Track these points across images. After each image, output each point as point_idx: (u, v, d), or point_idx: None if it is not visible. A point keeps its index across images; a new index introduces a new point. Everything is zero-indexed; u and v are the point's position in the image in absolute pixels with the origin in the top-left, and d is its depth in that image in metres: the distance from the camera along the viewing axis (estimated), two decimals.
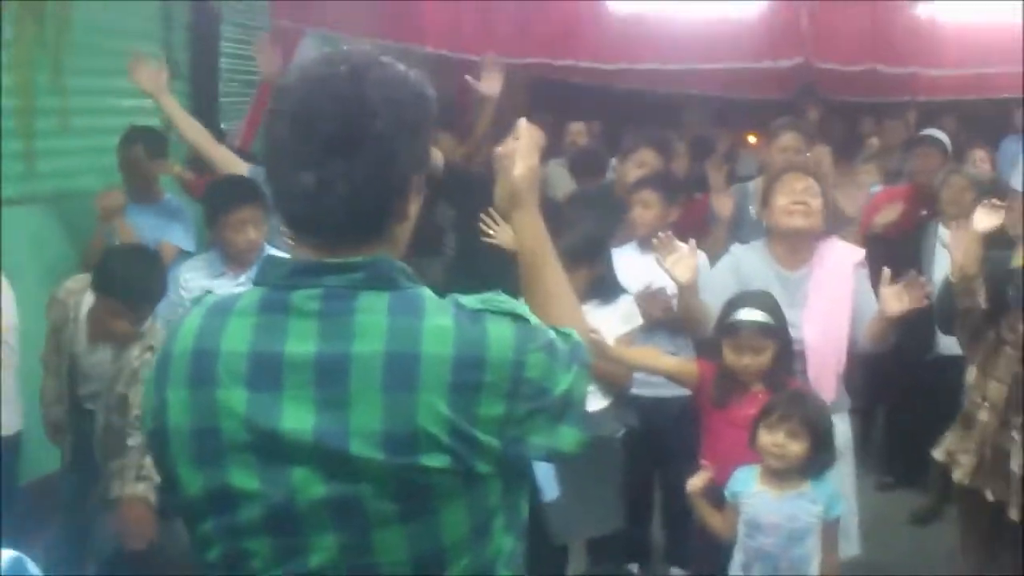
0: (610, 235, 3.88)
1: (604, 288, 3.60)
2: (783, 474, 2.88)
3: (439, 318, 1.30)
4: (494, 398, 1.28)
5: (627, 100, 7.91)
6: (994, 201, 3.50)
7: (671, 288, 3.87)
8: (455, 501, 1.29)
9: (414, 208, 1.41)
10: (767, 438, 2.85)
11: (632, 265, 3.84)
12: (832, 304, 3.37)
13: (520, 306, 1.38)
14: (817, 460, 2.88)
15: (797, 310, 3.33)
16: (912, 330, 4.31)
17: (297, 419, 1.26)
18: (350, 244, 1.33)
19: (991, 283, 3.46)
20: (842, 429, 3.43)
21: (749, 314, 3.09)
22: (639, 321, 3.63)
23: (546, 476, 3.38)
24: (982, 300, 3.45)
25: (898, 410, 5.30)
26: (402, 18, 5.59)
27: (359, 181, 1.29)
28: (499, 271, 4.06)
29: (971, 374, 3.57)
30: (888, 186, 5.79)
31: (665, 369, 3.38)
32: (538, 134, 1.75)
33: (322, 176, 1.29)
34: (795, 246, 3.42)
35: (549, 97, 7.92)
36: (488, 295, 1.38)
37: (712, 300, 3.37)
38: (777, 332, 3.10)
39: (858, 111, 7.49)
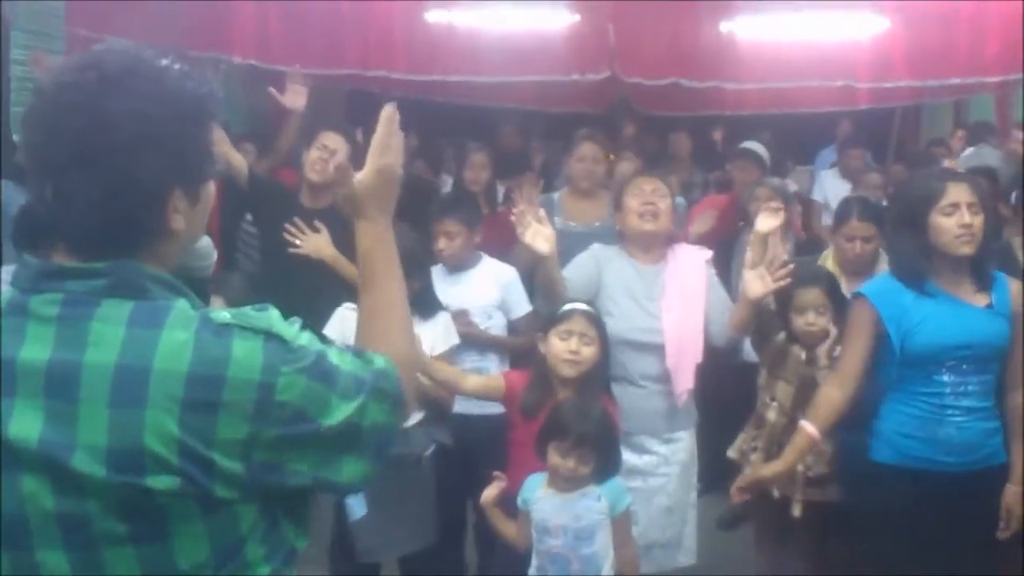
0: (428, 250, 3.81)
1: (423, 305, 3.54)
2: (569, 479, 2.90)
3: (179, 331, 1.23)
4: (235, 419, 1.22)
5: (446, 113, 7.91)
6: (772, 204, 3.58)
7: (474, 309, 3.89)
8: (191, 525, 1.23)
9: (182, 222, 1.33)
10: (558, 461, 2.86)
11: (439, 286, 3.81)
12: (687, 295, 3.47)
13: (280, 323, 1.30)
14: (603, 470, 2.90)
15: (655, 302, 3.44)
16: None
17: (23, 427, 1.21)
18: (105, 255, 1.27)
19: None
20: (687, 444, 3.53)
21: (579, 304, 3.17)
22: (456, 340, 3.60)
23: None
24: (771, 301, 3.54)
25: (705, 417, 5.41)
26: (208, 27, 5.41)
27: (97, 195, 1.25)
28: (307, 282, 4.00)
29: (762, 375, 3.66)
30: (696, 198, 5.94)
31: (470, 390, 3.34)
32: (396, 129, 1.56)
33: (60, 187, 1.26)
34: (648, 246, 3.53)
35: (367, 109, 7.81)
36: (245, 309, 1.30)
37: (573, 276, 3.42)
38: (602, 331, 3.15)
39: (672, 125, 7.68)
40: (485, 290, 3.90)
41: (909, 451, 3.05)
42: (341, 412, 1.29)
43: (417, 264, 3.52)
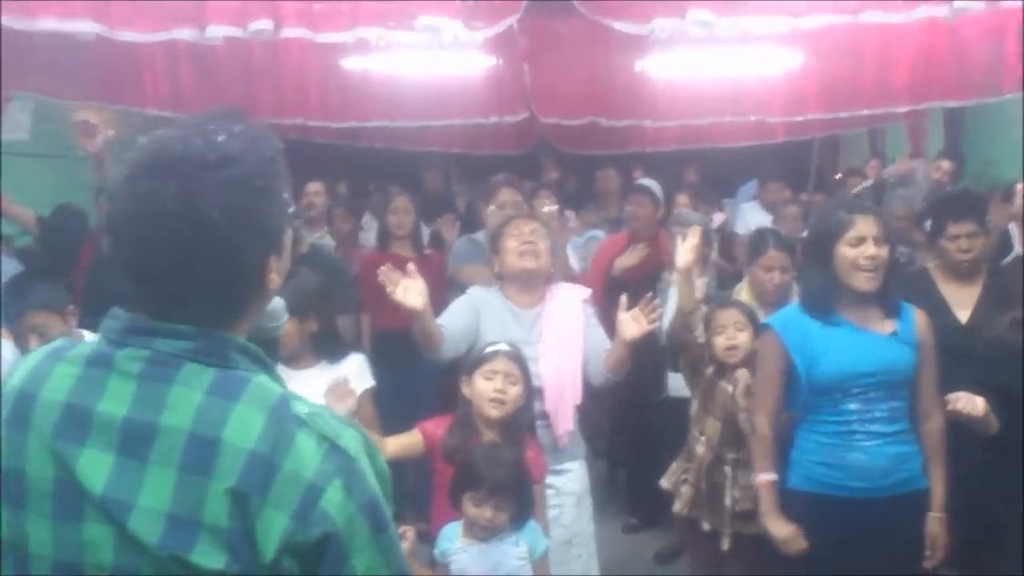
0: (328, 293, 3.74)
1: (329, 347, 3.51)
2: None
3: (253, 408, 1.23)
4: (278, 512, 1.18)
5: (374, 159, 7.89)
6: (687, 239, 3.58)
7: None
8: None
9: (278, 280, 1.36)
10: (474, 511, 2.80)
11: None
12: (565, 338, 3.46)
13: (351, 442, 1.25)
14: (520, 515, 2.86)
15: (533, 346, 3.40)
16: (642, 373, 4.44)
17: (90, 474, 1.21)
18: (198, 323, 1.28)
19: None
20: (579, 474, 3.48)
21: (502, 344, 3.16)
22: (371, 382, 3.54)
23: None
24: (700, 335, 3.55)
25: (637, 453, 5.40)
26: (120, 81, 5.31)
27: (203, 288, 1.26)
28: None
29: (694, 407, 3.68)
30: (610, 233, 5.93)
31: (390, 455, 3.23)
32: None
33: (161, 288, 1.27)
34: (527, 287, 3.52)
35: (290, 157, 7.75)
36: (323, 411, 1.28)
37: (449, 324, 3.38)
38: (525, 371, 3.12)
39: (593, 164, 7.72)
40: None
41: (820, 478, 3.06)
42: (367, 558, 1.23)
43: (312, 304, 3.46)
